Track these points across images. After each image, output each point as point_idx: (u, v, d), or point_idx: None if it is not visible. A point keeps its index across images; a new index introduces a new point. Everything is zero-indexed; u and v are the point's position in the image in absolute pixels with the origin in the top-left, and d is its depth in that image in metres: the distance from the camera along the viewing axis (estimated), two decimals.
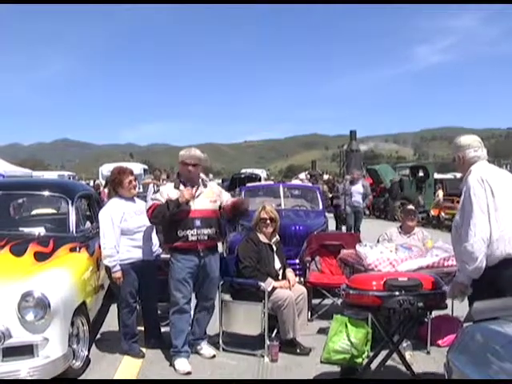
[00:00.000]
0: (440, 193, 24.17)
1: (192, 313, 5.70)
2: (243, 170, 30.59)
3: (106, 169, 25.18)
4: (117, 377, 5.07)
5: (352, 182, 15.19)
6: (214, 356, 5.55)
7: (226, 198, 5.70)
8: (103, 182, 20.87)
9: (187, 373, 5.18)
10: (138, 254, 5.52)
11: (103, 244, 5.37)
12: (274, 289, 5.67)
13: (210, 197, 5.54)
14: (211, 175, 19.08)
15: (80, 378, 4.99)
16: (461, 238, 4.08)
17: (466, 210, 4.03)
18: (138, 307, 5.78)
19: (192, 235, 5.36)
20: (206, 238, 5.39)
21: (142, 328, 5.89)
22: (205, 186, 5.61)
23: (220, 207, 5.61)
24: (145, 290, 5.64)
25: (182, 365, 5.29)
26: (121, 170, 5.73)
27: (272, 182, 15.28)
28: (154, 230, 5.80)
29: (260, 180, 24.99)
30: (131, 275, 5.45)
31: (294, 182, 21.43)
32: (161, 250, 5.93)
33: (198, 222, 5.37)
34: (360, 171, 15.51)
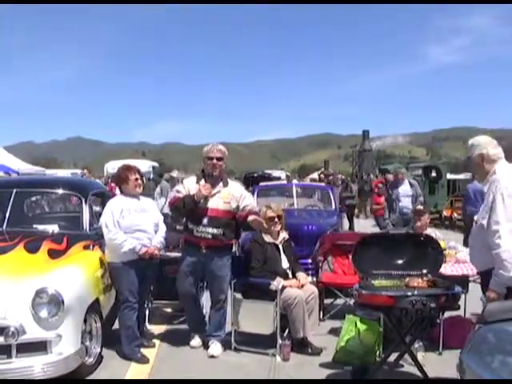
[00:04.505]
0: None
1: (208, 309, 5.98)
2: (267, 171, 30.54)
3: (112, 166, 24.93)
4: (129, 374, 5.10)
5: (396, 184, 11.85)
6: (212, 356, 5.53)
7: (246, 204, 5.68)
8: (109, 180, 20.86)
9: (194, 347, 5.78)
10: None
11: (110, 235, 5.33)
12: (283, 288, 5.66)
13: (224, 197, 5.58)
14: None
15: (92, 374, 5.02)
16: (485, 239, 3.98)
17: (498, 213, 3.89)
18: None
19: (197, 231, 5.53)
20: (209, 236, 5.50)
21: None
22: (225, 185, 5.67)
23: (238, 209, 5.66)
24: (140, 288, 5.56)
25: (193, 342, 5.84)
26: (128, 167, 5.74)
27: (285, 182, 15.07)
28: (161, 227, 5.78)
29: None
30: (132, 273, 5.41)
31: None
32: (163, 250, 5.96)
33: (205, 221, 5.50)
34: (404, 169, 12.99)
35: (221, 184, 5.63)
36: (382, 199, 13.95)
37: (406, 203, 11.10)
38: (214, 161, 5.56)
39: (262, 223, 5.69)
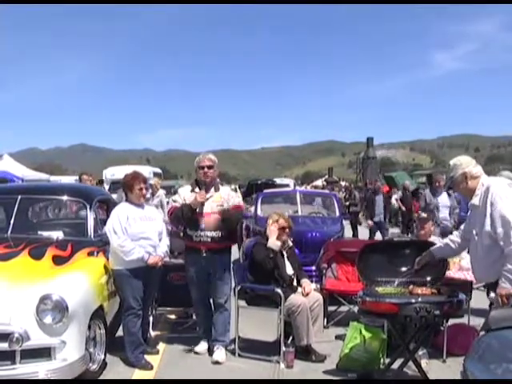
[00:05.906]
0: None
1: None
2: (275, 179, 30.61)
3: (110, 172, 24.79)
4: None
5: (434, 192, 10.63)
6: (217, 362, 5.54)
7: (233, 202, 5.83)
8: (106, 187, 20.79)
9: (199, 353, 5.81)
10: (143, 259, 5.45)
11: (119, 241, 5.32)
12: (287, 295, 5.66)
13: (217, 201, 5.76)
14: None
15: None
16: (495, 247, 4.05)
17: (502, 215, 3.99)
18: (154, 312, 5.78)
19: (196, 236, 5.70)
20: (208, 240, 5.67)
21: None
22: (217, 190, 5.85)
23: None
24: (145, 295, 5.55)
25: (198, 347, 5.87)
26: (134, 175, 5.73)
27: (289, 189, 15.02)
28: (164, 236, 5.83)
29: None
30: (136, 280, 5.41)
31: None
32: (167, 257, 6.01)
33: (202, 225, 5.67)
34: (444, 176, 11.87)
35: (213, 189, 5.83)
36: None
37: (444, 214, 10.06)
38: (205, 169, 5.78)
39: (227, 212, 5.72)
